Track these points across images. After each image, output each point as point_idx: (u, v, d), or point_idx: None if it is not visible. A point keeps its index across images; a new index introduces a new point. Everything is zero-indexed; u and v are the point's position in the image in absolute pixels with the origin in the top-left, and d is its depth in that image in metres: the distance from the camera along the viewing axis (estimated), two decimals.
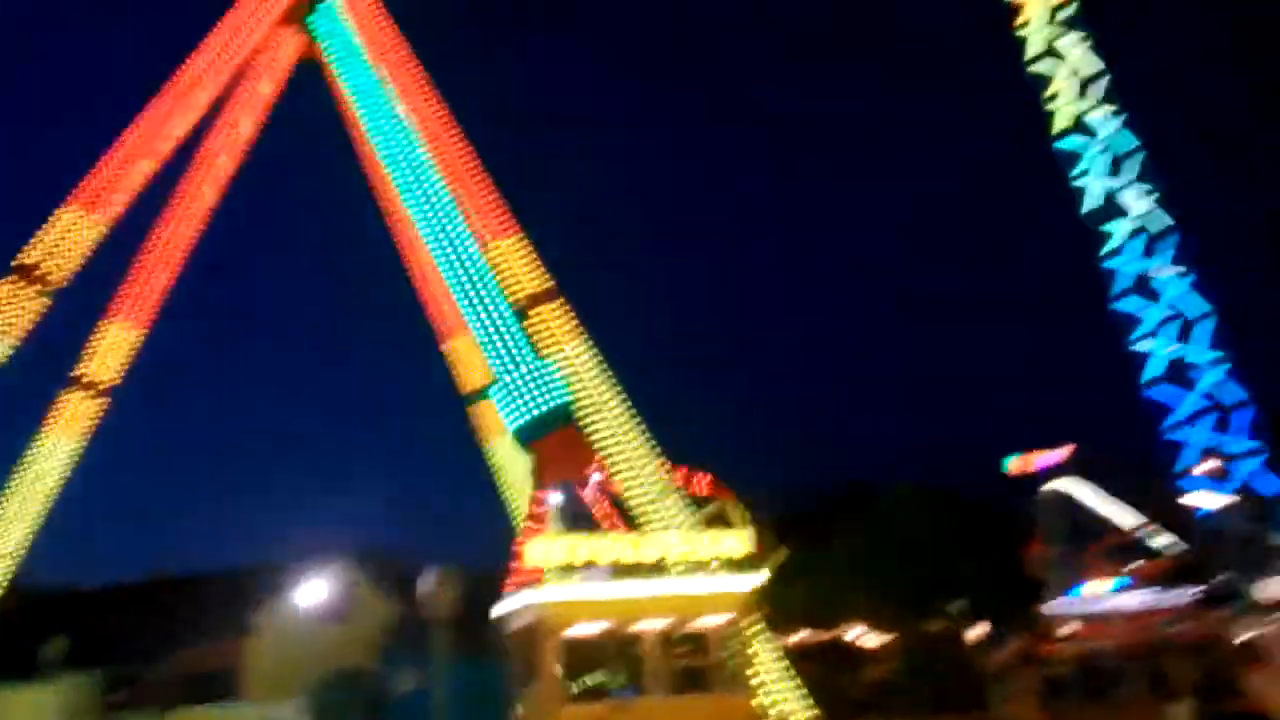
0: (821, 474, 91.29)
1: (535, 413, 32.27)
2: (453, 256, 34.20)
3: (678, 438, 37.23)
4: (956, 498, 48.91)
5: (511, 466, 38.50)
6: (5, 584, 37.02)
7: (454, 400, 40.52)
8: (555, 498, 31.19)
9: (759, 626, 31.08)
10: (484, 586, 36.82)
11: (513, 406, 32.53)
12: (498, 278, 36.03)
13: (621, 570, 28.27)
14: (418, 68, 37.09)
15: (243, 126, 38.52)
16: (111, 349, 37.59)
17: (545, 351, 34.92)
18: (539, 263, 36.21)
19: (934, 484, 49.04)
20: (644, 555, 28.27)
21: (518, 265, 36.22)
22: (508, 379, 32.90)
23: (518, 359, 33.03)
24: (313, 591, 41.88)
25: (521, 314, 35.48)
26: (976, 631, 45.58)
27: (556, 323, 35.57)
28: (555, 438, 32.35)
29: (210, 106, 37.67)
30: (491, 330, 33.58)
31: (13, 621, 37.79)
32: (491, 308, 33.72)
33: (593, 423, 34.38)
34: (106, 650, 41.49)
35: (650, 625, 27.80)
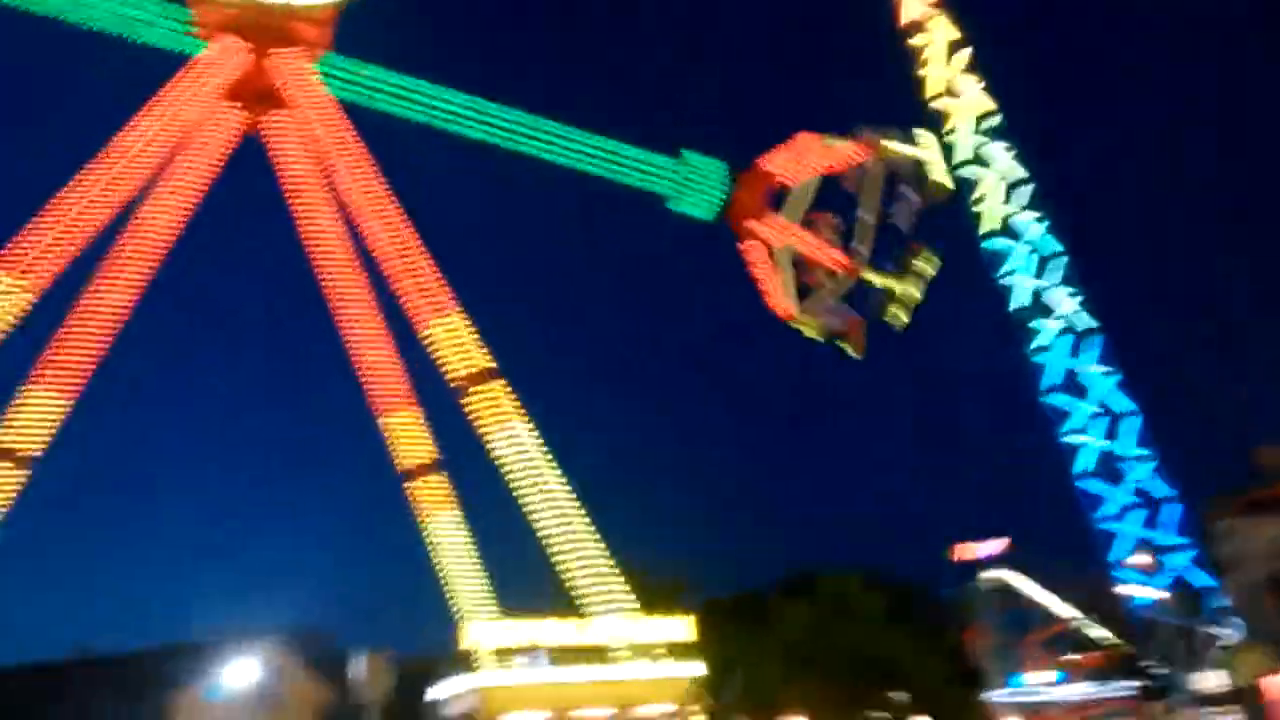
0: (764, 558, 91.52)
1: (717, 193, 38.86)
2: None
3: (620, 521, 36.98)
4: (898, 582, 48.68)
5: (449, 547, 37.49)
6: None
7: (391, 477, 39.23)
8: None
9: (701, 717, 30.44)
10: (416, 669, 35.81)
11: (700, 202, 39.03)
12: (438, 356, 35.81)
13: (563, 656, 27.73)
14: (363, 150, 37.25)
15: (179, 199, 37.74)
16: (34, 418, 35.93)
17: (486, 430, 34.69)
18: (478, 343, 35.94)
19: (874, 566, 48.88)
20: (587, 639, 27.73)
21: (458, 344, 35.90)
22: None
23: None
24: (240, 674, 39.87)
25: (463, 392, 35.33)
26: None
27: (498, 402, 35.25)
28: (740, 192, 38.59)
29: (147, 178, 36.86)
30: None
31: None
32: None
33: (532, 503, 33.95)
34: None
35: (592, 715, 27.13)
